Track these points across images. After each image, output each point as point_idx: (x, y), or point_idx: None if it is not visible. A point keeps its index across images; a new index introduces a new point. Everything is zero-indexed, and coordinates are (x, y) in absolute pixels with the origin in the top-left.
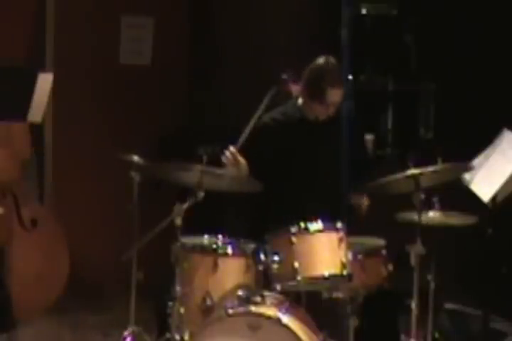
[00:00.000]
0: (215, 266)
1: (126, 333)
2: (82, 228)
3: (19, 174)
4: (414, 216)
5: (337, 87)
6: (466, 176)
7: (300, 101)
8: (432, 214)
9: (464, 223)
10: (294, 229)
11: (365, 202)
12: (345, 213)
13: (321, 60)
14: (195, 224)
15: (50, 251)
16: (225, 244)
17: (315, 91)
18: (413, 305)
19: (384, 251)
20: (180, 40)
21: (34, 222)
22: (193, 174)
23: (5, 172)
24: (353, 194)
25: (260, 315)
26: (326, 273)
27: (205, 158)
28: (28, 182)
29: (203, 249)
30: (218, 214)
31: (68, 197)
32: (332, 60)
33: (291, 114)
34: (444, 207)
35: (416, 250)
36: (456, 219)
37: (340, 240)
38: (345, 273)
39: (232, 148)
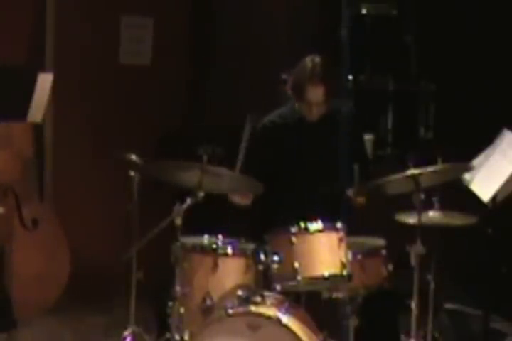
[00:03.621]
0: (215, 266)
1: (126, 333)
2: (81, 228)
3: (20, 174)
4: (414, 216)
5: (316, 84)
6: (466, 176)
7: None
8: (432, 214)
9: (463, 223)
10: (294, 229)
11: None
12: (345, 213)
13: (305, 59)
14: (195, 224)
15: (51, 251)
16: (225, 244)
17: (296, 89)
18: (413, 305)
19: (384, 251)
20: (180, 40)
21: (35, 222)
22: (193, 174)
23: (5, 173)
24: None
25: (260, 315)
26: (326, 273)
27: (205, 158)
28: (30, 182)
29: (203, 249)
30: (218, 214)
31: (68, 197)
32: (316, 59)
33: (289, 115)
34: (444, 207)
35: (416, 250)
36: (456, 219)
37: (340, 240)
38: (345, 273)
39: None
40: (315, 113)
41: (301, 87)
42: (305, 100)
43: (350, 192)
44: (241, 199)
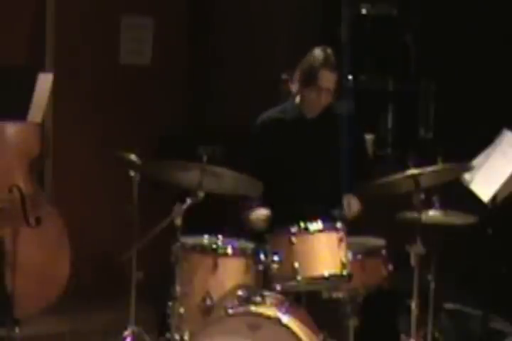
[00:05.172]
0: (215, 266)
1: (126, 333)
2: (81, 228)
3: (26, 173)
4: (414, 215)
5: (330, 68)
6: (466, 176)
7: (298, 99)
8: (432, 213)
9: (464, 222)
10: (294, 229)
11: (356, 205)
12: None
13: (316, 48)
14: (195, 224)
15: (53, 249)
16: (225, 244)
17: (308, 73)
18: (413, 305)
19: (384, 251)
20: (180, 40)
21: (38, 220)
22: (193, 174)
23: (12, 171)
24: (347, 195)
25: (260, 315)
26: (326, 273)
27: (205, 158)
28: (36, 181)
29: (203, 249)
30: (218, 214)
31: (68, 197)
32: (328, 49)
33: (290, 113)
34: (444, 207)
35: (416, 250)
36: (456, 218)
37: (340, 240)
38: (345, 273)
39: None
40: (322, 101)
41: (314, 71)
42: (316, 85)
43: (336, 213)
44: (261, 223)
